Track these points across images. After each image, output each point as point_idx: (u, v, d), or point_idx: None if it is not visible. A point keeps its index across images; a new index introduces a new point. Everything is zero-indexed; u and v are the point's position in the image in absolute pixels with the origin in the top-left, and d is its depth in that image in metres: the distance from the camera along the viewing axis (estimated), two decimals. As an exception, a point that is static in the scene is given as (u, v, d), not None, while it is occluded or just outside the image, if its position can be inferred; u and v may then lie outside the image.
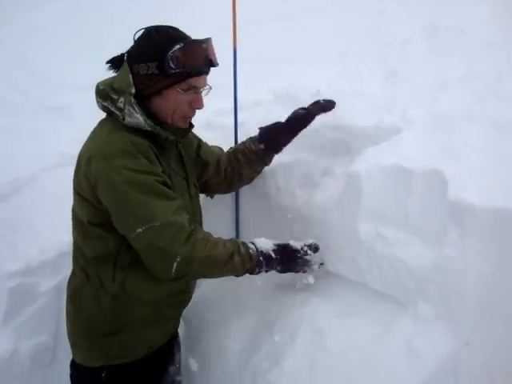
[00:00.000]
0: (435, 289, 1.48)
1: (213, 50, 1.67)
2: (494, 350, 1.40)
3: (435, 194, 1.54)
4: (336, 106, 2.00)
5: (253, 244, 1.72)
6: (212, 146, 2.09)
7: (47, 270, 2.48)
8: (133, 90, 1.58)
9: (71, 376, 1.83)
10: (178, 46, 1.56)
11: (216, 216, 2.13)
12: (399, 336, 1.48)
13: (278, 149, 2.03)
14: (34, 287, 2.42)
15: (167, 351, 1.93)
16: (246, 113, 2.41)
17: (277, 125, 2.00)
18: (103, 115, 1.71)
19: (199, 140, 2.02)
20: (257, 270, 1.70)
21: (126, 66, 1.62)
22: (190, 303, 2.15)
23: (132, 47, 1.64)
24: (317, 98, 2.00)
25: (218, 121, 2.53)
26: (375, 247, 1.63)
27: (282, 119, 2.01)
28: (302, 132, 2.01)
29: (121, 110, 1.59)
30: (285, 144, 2.02)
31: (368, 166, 1.74)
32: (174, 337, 1.98)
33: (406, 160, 1.66)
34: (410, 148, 1.72)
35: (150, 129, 1.61)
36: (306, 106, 1.98)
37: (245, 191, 2.27)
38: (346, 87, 2.23)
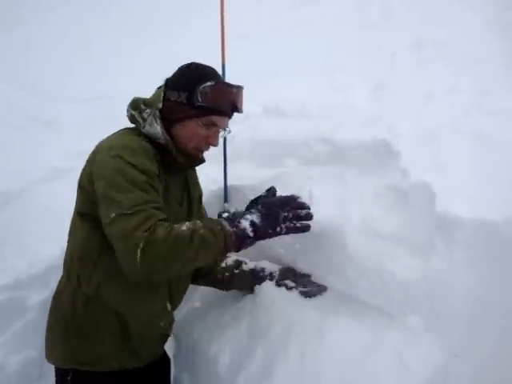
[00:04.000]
0: (424, 301, 1.49)
1: (241, 97, 1.79)
2: (483, 361, 1.40)
3: (423, 207, 1.56)
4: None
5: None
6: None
7: (36, 283, 2.46)
8: (160, 105, 1.72)
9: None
10: (209, 83, 1.70)
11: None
12: (388, 348, 1.48)
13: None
14: (23, 301, 2.40)
15: (147, 378, 1.86)
16: (235, 126, 2.42)
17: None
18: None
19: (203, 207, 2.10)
20: (239, 235, 1.56)
21: (162, 88, 1.76)
22: (180, 318, 2.14)
23: (173, 74, 1.79)
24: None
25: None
26: (364, 259, 1.64)
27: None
28: (290, 144, 2.03)
29: (144, 119, 1.72)
30: None
31: (356, 178, 1.75)
32: (158, 366, 1.94)
33: (393, 173, 1.68)
34: (397, 161, 1.74)
35: (163, 142, 1.70)
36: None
37: (234, 203, 2.28)
38: (333, 100, 2.25)
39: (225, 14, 2.40)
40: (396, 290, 1.56)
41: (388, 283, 1.58)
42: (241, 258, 2.11)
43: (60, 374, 1.74)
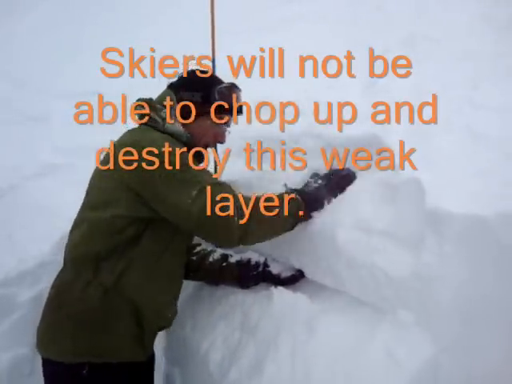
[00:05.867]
0: (414, 296, 1.49)
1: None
2: (474, 356, 1.40)
3: (413, 202, 1.56)
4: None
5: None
6: None
7: (26, 280, 2.45)
8: (176, 106, 1.84)
9: (46, 375, 1.79)
10: (225, 85, 1.91)
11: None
12: (379, 343, 1.49)
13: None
14: (13, 298, 2.39)
15: (150, 370, 1.94)
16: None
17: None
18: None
19: None
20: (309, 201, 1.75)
21: (168, 91, 1.90)
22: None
23: (179, 78, 1.94)
24: None
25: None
26: (354, 255, 1.64)
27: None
28: (282, 140, 2.06)
29: (163, 118, 1.80)
30: None
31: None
32: (152, 361, 1.98)
33: (384, 168, 1.68)
34: (388, 156, 1.74)
35: (185, 139, 1.82)
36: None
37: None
38: (326, 97, 2.24)
39: (215, 9, 2.39)
40: (386, 285, 1.56)
41: (378, 278, 1.58)
42: (226, 252, 2.14)
43: (71, 371, 1.69)
